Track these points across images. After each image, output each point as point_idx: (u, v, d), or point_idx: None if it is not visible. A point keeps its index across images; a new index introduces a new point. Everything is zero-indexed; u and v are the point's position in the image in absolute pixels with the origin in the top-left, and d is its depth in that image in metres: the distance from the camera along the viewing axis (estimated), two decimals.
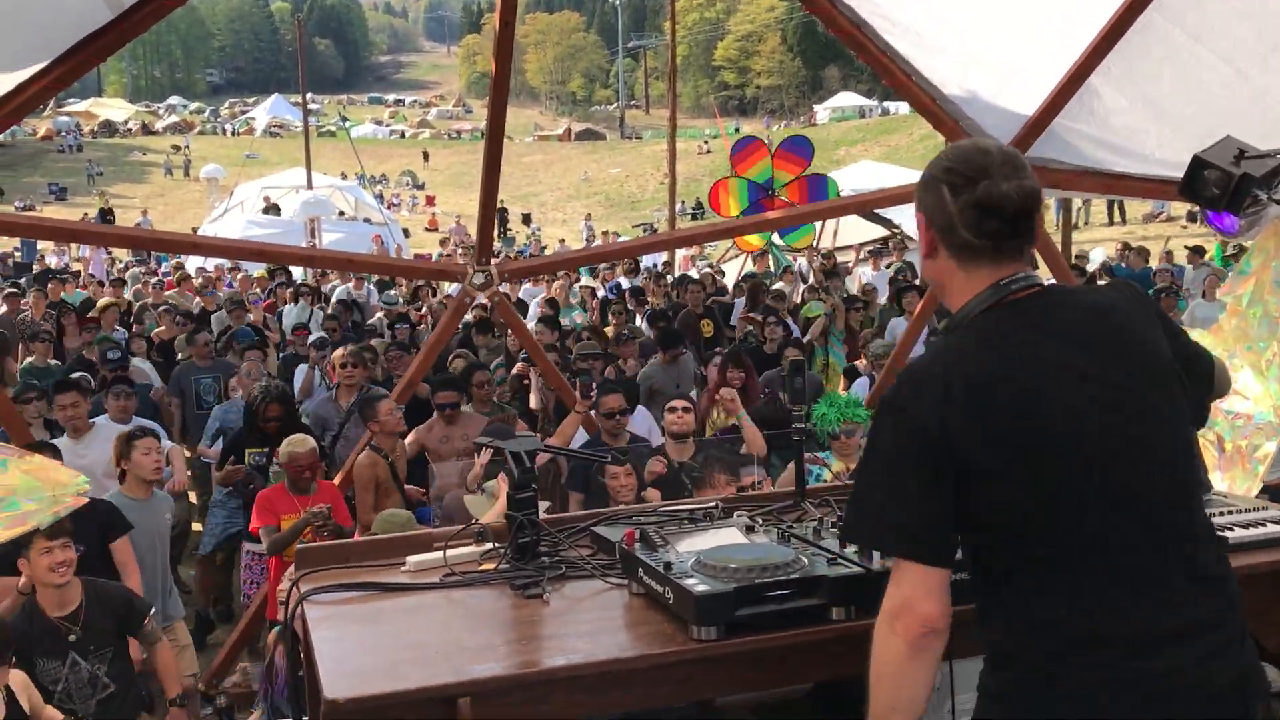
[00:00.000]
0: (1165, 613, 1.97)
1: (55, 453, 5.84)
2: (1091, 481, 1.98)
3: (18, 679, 4.25)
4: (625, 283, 16.35)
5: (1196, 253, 14.70)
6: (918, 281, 13.05)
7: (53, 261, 27.29)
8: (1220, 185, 4.26)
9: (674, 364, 9.20)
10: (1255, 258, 4.82)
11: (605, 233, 34.50)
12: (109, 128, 72.44)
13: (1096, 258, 17.95)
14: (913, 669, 2.00)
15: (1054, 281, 2.30)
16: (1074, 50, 5.76)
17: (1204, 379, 2.31)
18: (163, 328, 12.48)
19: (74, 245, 28.29)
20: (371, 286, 16.00)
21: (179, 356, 10.72)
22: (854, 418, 5.97)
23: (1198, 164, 4.32)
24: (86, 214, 40.44)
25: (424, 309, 13.84)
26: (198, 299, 15.87)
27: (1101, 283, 12.66)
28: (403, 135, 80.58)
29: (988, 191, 2.07)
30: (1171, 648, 1.95)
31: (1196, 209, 5.50)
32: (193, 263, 21.71)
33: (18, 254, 28.37)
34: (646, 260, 21.28)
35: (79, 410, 7.06)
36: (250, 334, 11.11)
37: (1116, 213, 29.57)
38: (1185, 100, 5.49)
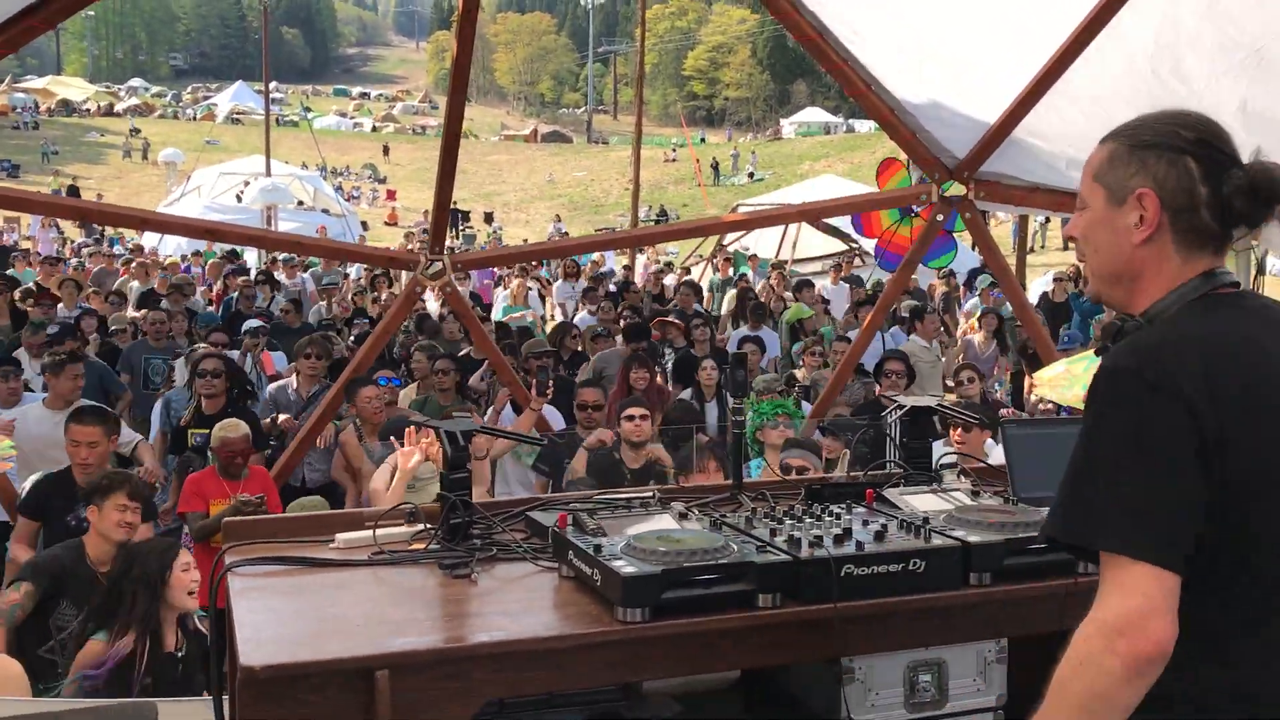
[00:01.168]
0: None
1: None
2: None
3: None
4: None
5: None
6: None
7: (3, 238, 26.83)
8: None
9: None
10: None
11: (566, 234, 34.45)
12: (67, 106, 71.32)
13: (1036, 290, 17.71)
14: (1126, 697, 1.68)
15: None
16: (1033, 66, 5.83)
17: None
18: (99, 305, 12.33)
19: (24, 224, 27.86)
20: (306, 276, 15.82)
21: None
22: (786, 412, 5.97)
23: None
24: (41, 191, 39.79)
25: (379, 299, 13.76)
26: (153, 279, 15.67)
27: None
28: (374, 129, 79.94)
29: (1266, 174, 1.83)
30: None
31: None
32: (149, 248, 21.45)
33: None
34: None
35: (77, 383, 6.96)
36: (214, 318, 11.04)
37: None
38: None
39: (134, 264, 17.59)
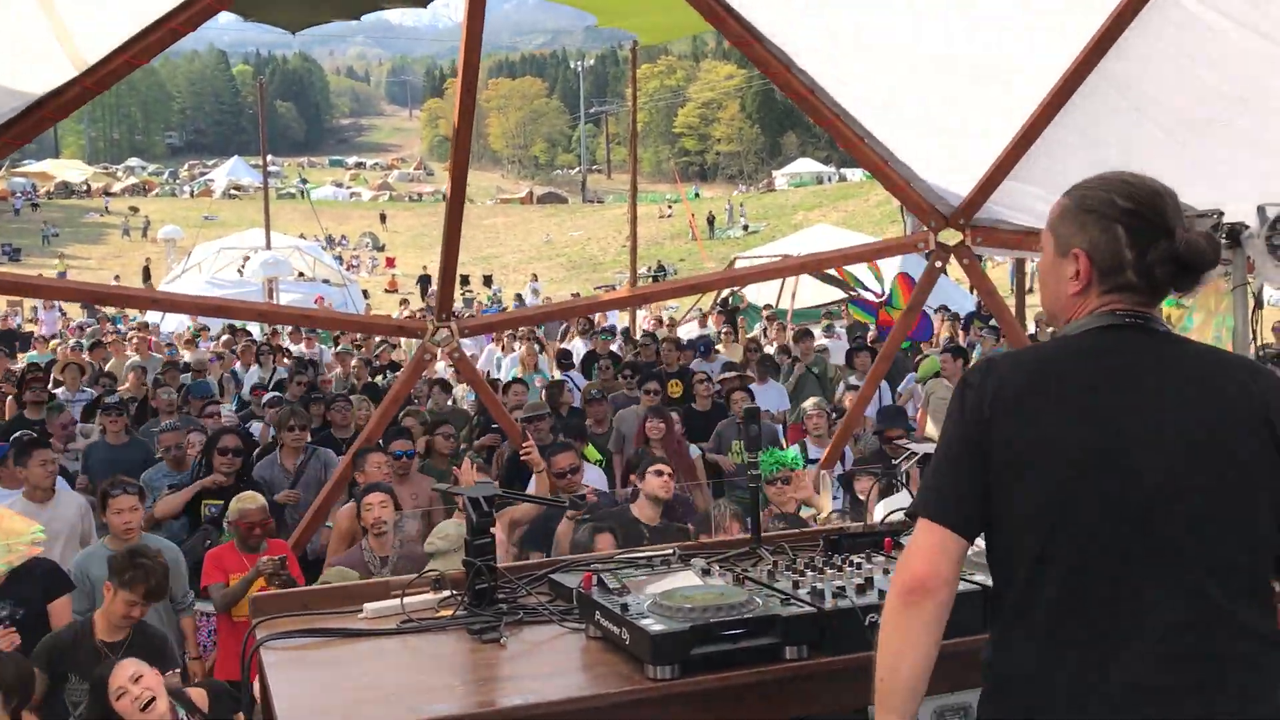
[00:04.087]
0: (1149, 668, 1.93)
1: None
2: (1074, 507, 1.96)
3: None
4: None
5: None
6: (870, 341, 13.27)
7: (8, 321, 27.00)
8: None
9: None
10: (1196, 315, 4.97)
11: (549, 298, 34.33)
12: (65, 188, 72.01)
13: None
14: (903, 623, 2.02)
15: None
16: (1023, 113, 5.94)
17: None
18: (129, 384, 12.37)
19: (27, 307, 28.07)
20: (323, 346, 15.95)
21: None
22: (791, 465, 6.00)
23: None
24: (41, 274, 40.09)
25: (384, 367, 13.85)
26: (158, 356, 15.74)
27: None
28: (374, 198, 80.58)
29: (1193, 248, 2.03)
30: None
31: None
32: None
33: None
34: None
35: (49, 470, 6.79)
36: (209, 388, 11.06)
37: None
38: (1127, 163, 5.66)
39: (136, 341, 17.66)
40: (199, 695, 4.65)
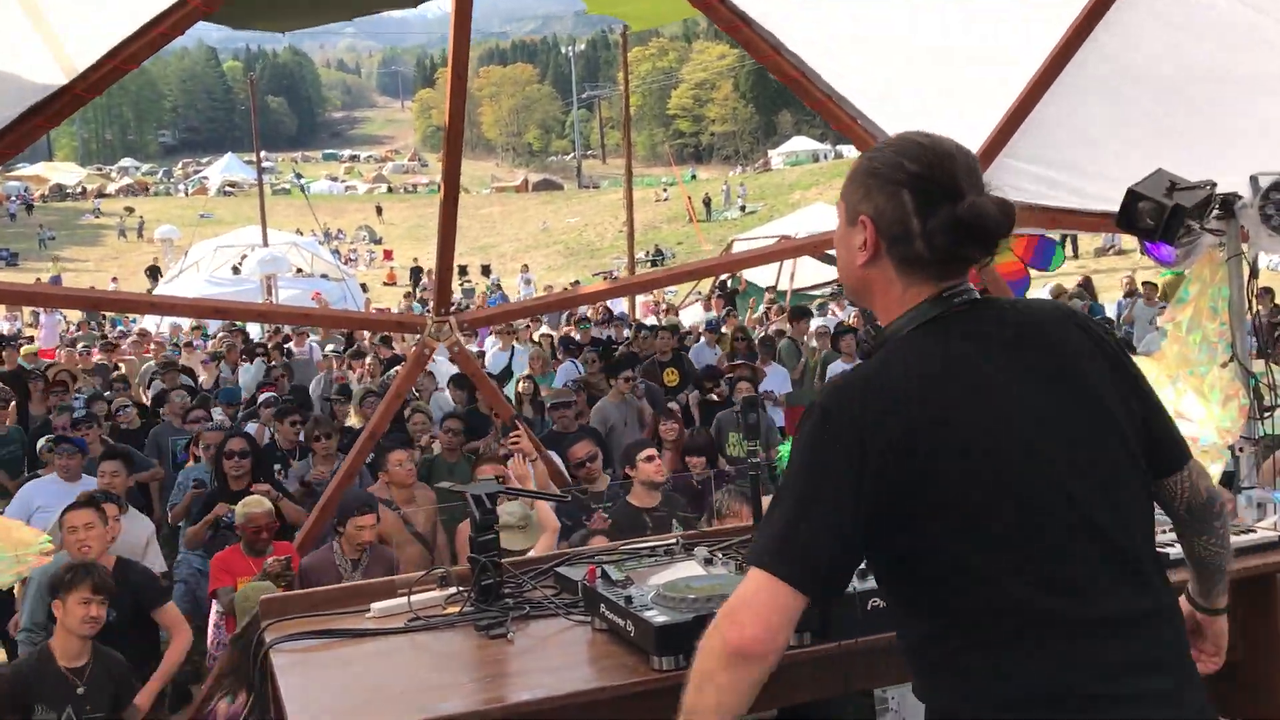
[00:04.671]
0: (1112, 657, 1.82)
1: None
2: (1025, 523, 1.83)
3: None
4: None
5: (1150, 288, 14.86)
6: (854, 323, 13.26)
7: (4, 328, 26.99)
8: (1154, 216, 4.42)
9: (623, 399, 9.35)
10: (1192, 285, 4.98)
11: (550, 287, 34.11)
12: (60, 191, 71.91)
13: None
14: (725, 679, 1.82)
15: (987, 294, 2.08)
16: (1014, 87, 5.94)
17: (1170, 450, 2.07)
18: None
19: (26, 312, 28.07)
20: (313, 343, 15.92)
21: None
22: None
23: (1132, 196, 4.49)
24: (39, 278, 40.14)
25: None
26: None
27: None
28: (369, 191, 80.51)
29: (976, 211, 1.87)
30: (1122, 693, 1.81)
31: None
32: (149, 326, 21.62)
33: None
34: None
35: (120, 480, 7.10)
36: (236, 393, 11.16)
37: (1069, 247, 30.07)
38: (1120, 135, 5.68)
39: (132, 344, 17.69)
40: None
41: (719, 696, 1.81)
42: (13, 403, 10.40)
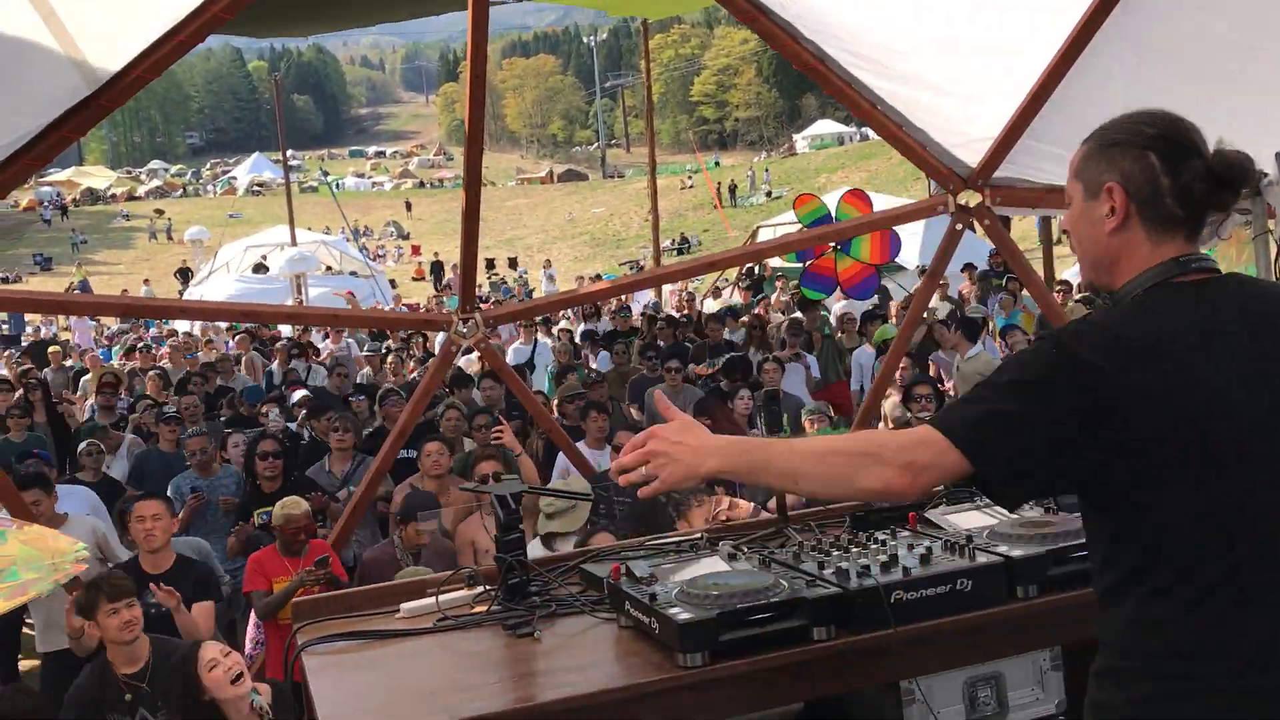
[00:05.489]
0: None
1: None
2: (1256, 491, 1.89)
3: None
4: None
5: None
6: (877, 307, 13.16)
7: (41, 332, 27.36)
8: None
9: (678, 391, 9.30)
10: (1219, 265, 4.95)
11: (581, 277, 34.05)
12: (91, 195, 72.69)
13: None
14: (855, 487, 2.01)
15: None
16: (1035, 69, 5.90)
17: None
18: (150, 390, 12.58)
19: (60, 315, 28.40)
20: (351, 340, 16.05)
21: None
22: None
23: None
24: (71, 283, 40.65)
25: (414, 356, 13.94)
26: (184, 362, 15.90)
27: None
28: (396, 187, 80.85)
29: (1225, 159, 1.99)
30: None
31: None
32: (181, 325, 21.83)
33: (5, 326, 28.45)
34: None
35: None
36: (259, 391, 11.23)
37: None
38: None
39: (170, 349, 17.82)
40: (264, 690, 4.73)
41: (828, 488, 2.06)
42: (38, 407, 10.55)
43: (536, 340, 14.39)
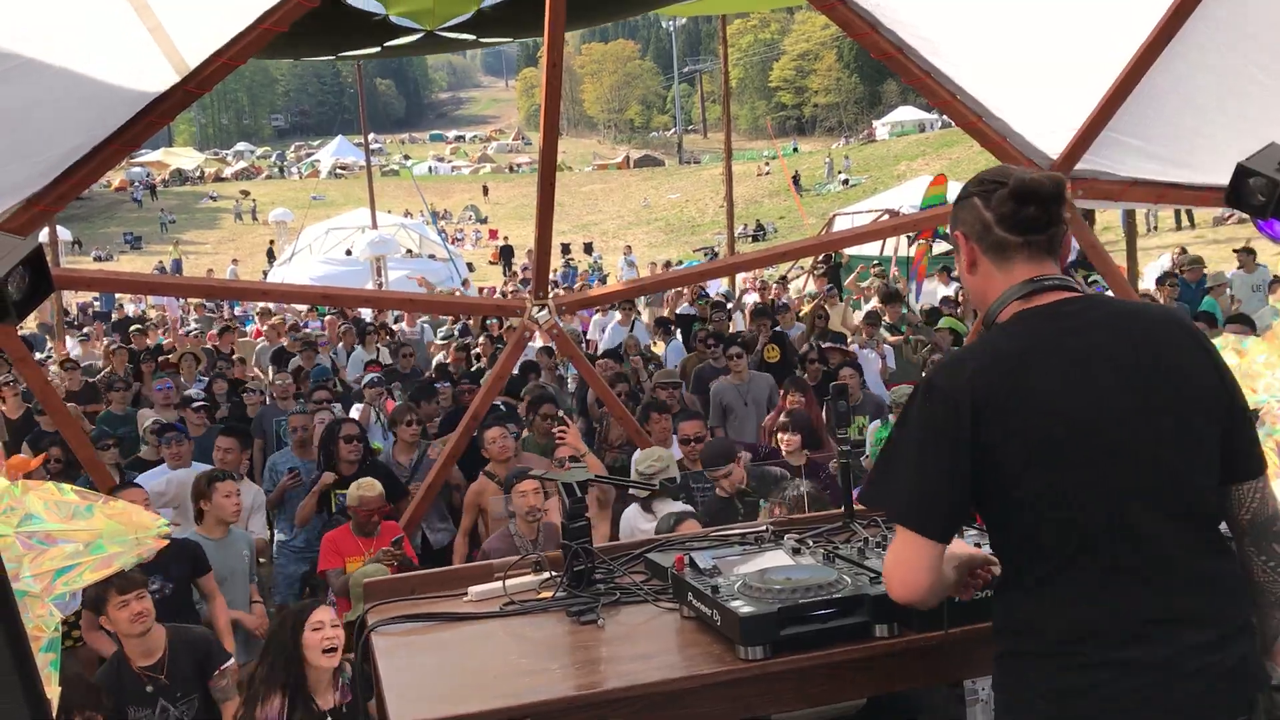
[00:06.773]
0: (1157, 605, 2.08)
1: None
2: (1097, 482, 2.09)
3: None
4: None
5: (1248, 254, 14.24)
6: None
7: (130, 309, 28.10)
8: (1266, 192, 4.27)
9: (745, 381, 9.21)
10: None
11: (654, 263, 33.89)
12: (180, 176, 74.42)
13: (1151, 273, 17.39)
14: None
15: (1088, 292, 2.34)
16: (1118, 62, 5.78)
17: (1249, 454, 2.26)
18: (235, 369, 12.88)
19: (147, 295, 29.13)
20: (425, 324, 16.22)
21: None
22: None
23: (1242, 172, 4.33)
24: (162, 261, 41.69)
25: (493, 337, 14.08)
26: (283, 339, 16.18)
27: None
28: (474, 171, 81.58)
29: (1021, 180, 2.22)
30: (1162, 637, 2.06)
31: None
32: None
33: (96, 303, 29.31)
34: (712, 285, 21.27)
35: (233, 457, 7.38)
36: (327, 371, 11.41)
37: (1185, 217, 28.99)
38: (1229, 108, 5.48)
39: (266, 327, 18.16)
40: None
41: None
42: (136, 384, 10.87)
43: (636, 321, 14.46)
